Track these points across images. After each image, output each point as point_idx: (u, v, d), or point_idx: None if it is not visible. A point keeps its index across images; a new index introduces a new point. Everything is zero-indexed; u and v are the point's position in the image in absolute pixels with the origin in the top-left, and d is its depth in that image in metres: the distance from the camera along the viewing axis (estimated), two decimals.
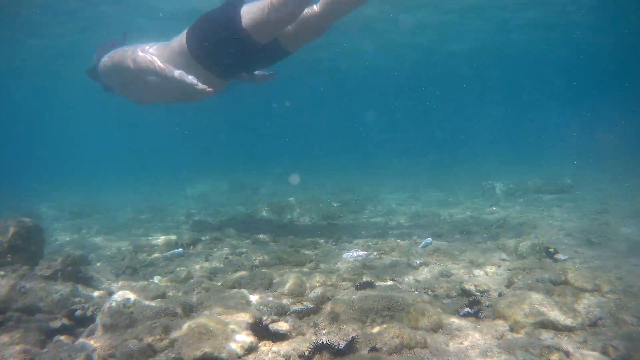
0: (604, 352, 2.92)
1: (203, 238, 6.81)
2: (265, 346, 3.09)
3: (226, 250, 6.10)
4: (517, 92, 42.32)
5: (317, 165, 21.27)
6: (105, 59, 6.15)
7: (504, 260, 5.27)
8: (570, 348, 2.97)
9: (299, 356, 2.98)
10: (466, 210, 9.08)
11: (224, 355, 2.91)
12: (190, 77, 5.37)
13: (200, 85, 5.35)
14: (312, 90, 35.62)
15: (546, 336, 3.16)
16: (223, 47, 5.43)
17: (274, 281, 4.50)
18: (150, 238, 6.99)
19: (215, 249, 6.26)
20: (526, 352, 2.97)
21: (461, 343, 3.15)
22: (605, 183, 11.46)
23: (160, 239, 6.64)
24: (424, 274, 4.83)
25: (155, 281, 4.83)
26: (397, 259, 5.40)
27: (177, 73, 5.40)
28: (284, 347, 3.05)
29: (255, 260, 5.36)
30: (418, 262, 5.12)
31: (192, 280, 4.77)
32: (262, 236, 7.00)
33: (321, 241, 6.47)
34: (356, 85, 35.44)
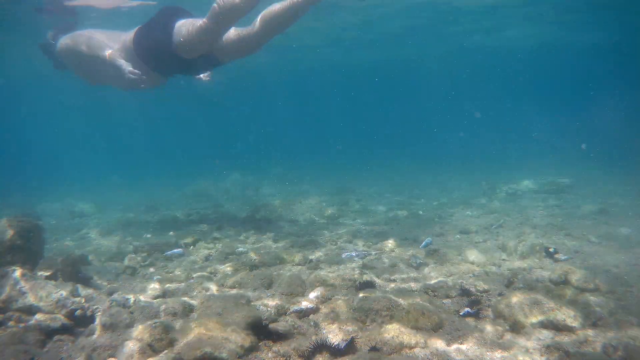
0: (604, 352, 2.92)
1: (203, 238, 6.81)
2: (265, 346, 3.09)
3: (226, 250, 6.10)
4: (515, 91, 42.36)
5: (316, 165, 21.26)
6: (66, 39, 6.57)
7: (504, 260, 5.27)
8: (570, 348, 2.97)
9: (299, 356, 2.98)
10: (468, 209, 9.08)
11: (224, 355, 2.91)
12: (130, 68, 5.82)
13: (137, 74, 5.79)
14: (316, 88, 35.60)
15: (546, 336, 3.16)
16: (160, 55, 5.95)
17: (274, 281, 4.50)
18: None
19: (215, 249, 6.26)
20: (526, 352, 2.97)
21: (461, 343, 3.15)
22: (605, 183, 11.46)
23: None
24: (424, 273, 4.83)
25: (155, 281, 4.83)
26: (397, 258, 5.40)
27: (121, 62, 5.88)
28: (284, 347, 3.06)
29: (255, 260, 5.36)
30: (418, 261, 5.12)
31: (192, 280, 4.77)
32: (262, 236, 7.01)
33: (321, 241, 6.48)
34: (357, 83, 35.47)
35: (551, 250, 5.23)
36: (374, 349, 3.04)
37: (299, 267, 5.22)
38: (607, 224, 7.09)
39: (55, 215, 10.47)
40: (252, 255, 5.57)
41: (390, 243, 6.10)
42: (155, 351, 3.06)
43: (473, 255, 5.35)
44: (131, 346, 3.06)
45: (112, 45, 6.09)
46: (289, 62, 22.30)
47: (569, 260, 5.13)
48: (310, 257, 5.56)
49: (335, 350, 3.00)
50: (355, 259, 5.46)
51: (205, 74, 7.09)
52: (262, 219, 8.57)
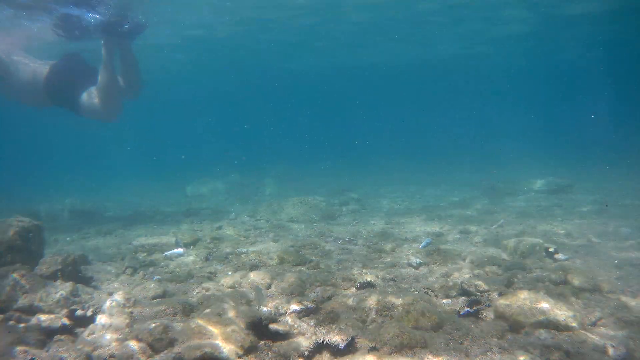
0: (604, 352, 2.92)
1: (203, 238, 6.81)
2: (265, 346, 3.09)
3: (226, 250, 6.10)
4: (517, 91, 42.32)
5: (313, 166, 21.28)
6: None
7: (504, 260, 5.27)
8: (570, 348, 2.97)
9: (299, 356, 2.98)
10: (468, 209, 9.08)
11: (224, 355, 2.91)
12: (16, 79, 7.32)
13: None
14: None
15: (546, 336, 3.16)
16: (58, 98, 7.37)
17: (274, 281, 4.50)
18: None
19: (215, 249, 6.26)
20: (526, 351, 2.97)
21: (461, 343, 3.15)
22: (605, 183, 11.46)
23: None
24: (424, 273, 4.83)
25: (156, 281, 4.82)
26: (397, 258, 5.39)
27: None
28: (284, 347, 3.05)
29: (255, 260, 5.36)
30: (418, 262, 5.12)
31: (192, 280, 4.77)
32: (262, 236, 7.01)
33: (321, 241, 6.47)
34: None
35: (551, 250, 5.23)
36: (373, 349, 3.04)
37: (299, 266, 5.22)
38: (607, 223, 7.09)
39: (57, 215, 10.46)
40: (252, 255, 5.57)
41: (389, 242, 6.09)
42: (156, 351, 3.06)
43: (473, 255, 5.34)
44: (132, 346, 3.06)
45: (27, 65, 7.42)
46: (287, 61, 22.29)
47: (568, 260, 5.13)
48: (311, 257, 5.56)
49: (335, 350, 2.99)
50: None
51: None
52: (262, 219, 8.57)
